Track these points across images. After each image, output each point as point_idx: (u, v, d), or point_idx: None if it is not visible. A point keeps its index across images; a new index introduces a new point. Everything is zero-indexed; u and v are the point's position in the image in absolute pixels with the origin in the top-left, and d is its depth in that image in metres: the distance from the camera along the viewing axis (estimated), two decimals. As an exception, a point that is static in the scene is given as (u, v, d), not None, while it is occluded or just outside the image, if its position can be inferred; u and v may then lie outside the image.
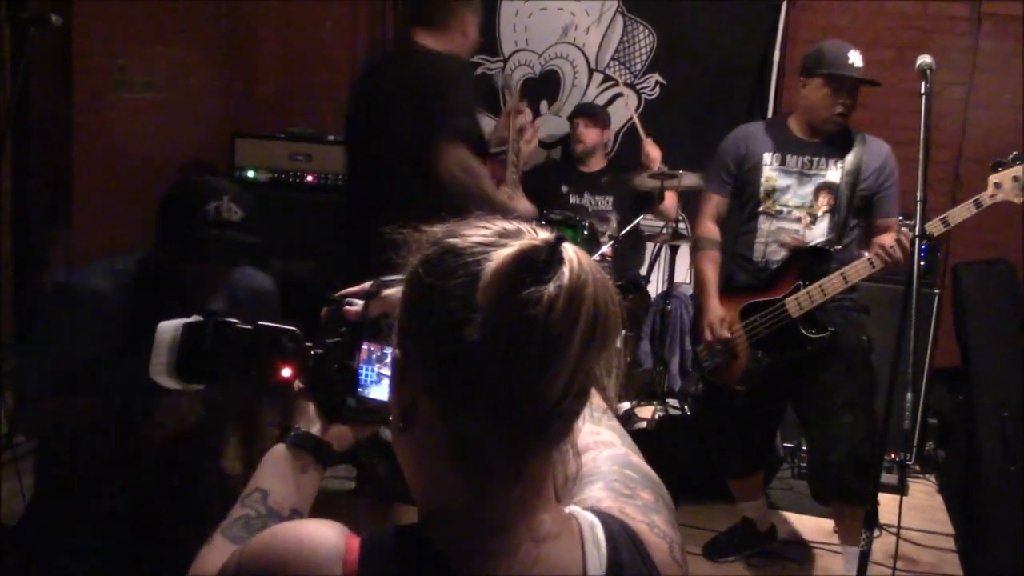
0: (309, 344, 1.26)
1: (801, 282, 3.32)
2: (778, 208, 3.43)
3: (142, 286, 2.32)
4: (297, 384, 1.26)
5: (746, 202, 3.52)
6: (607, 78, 5.52)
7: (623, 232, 4.47)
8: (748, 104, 5.33)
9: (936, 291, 4.53)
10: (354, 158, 3.45)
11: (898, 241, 3.08)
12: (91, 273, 2.37)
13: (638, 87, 5.49)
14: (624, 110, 5.47)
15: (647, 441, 4.10)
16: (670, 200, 4.69)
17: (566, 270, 0.88)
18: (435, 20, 3.21)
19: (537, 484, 0.96)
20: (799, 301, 3.31)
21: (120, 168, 4.88)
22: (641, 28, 5.44)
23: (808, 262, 3.35)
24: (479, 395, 0.89)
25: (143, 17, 4.93)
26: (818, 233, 3.39)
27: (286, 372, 1.26)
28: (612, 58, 5.50)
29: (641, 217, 4.57)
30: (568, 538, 0.97)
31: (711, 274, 3.54)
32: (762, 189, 3.45)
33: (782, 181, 3.43)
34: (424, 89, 3.08)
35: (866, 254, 3.25)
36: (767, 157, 3.45)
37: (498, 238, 0.93)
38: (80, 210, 4.63)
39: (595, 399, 1.22)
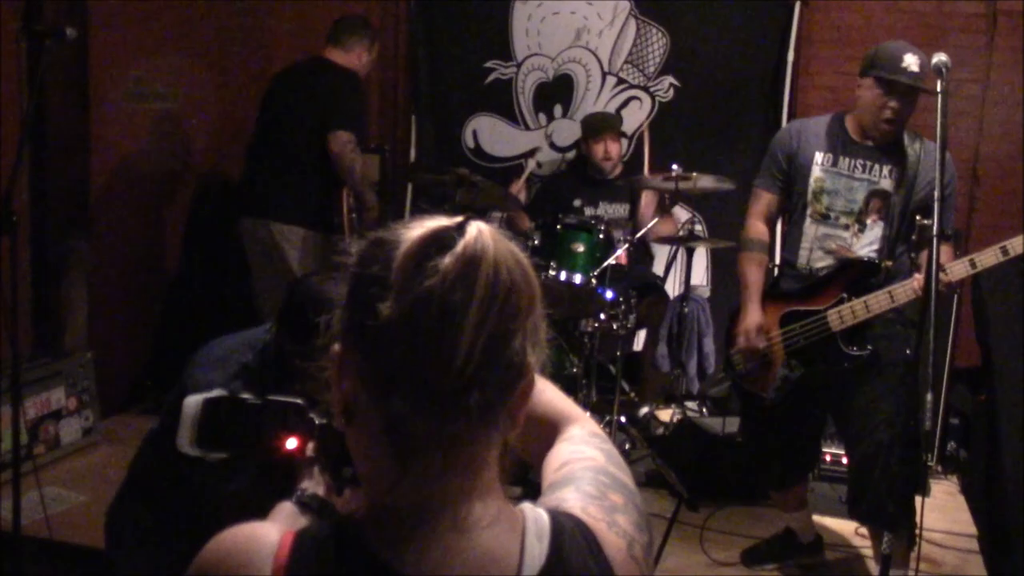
0: (313, 416, 1.36)
1: (846, 295, 3.16)
2: (825, 212, 3.24)
3: (263, 376, 2.38)
4: (309, 451, 1.36)
5: (795, 202, 3.34)
6: (620, 81, 5.52)
7: (636, 236, 4.46)
8: (763, 105, 5.31)
9: (955, 291, 4.49)
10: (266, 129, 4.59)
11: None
12: (209, 370, 2.40)
13: (652, 89, 5.48)
14: (639, 113, 5.47)
15: (666, 444, 4.13)
16: (647, 199, 4.93)
17: (462, 242, 0.92)
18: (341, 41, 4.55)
19: (470, 470, 0.97)
20: (841, 315, 3.16)
21: (137, 179, 4.91)
22: (654, 31, 5.43)
23: (856, 275, 3.18)
24: (397, 372, 0.92)
25: (157, 28, 4.95)
26: (866, 243, 3.22)
27: (291, 444, 1.36)
28: (625, 61, 5.50)
29: (653, 222, 4.56)
30: (506, 528, 0.97)
31: (754, 277, 3.36)
32: (810, 190, 3.26)
33: (831, 183, 3.24)
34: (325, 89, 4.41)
35: (917, 275, 3.02)
36: (819, 156, 3.26)
37: (419, 226, 0.97)
38: (97, 221, 4.66)
39: (588, 425, 1.23)
